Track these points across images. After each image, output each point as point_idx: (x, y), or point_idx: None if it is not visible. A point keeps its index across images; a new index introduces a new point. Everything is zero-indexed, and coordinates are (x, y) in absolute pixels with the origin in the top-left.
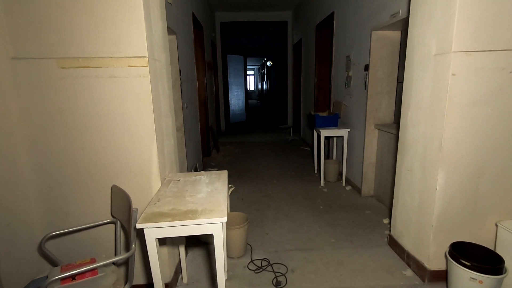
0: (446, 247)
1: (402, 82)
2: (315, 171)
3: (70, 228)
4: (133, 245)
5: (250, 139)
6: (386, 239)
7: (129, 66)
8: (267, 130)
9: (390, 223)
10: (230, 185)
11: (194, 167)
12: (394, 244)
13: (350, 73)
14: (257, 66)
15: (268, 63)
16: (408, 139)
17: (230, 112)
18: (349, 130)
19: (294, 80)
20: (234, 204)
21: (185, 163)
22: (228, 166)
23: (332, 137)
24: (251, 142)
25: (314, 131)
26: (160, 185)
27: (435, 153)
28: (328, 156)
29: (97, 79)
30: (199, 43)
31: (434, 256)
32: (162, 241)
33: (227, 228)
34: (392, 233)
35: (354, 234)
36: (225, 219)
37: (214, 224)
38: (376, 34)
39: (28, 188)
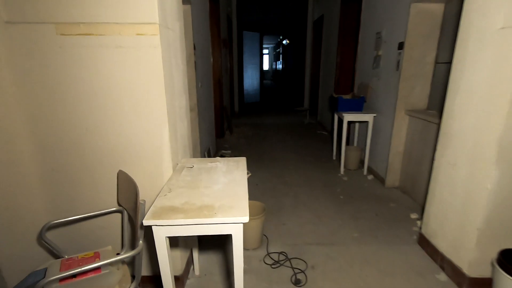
0: (492, 254)
1: (442, 63)
2: (334, 158)
3: (72, 217)
4: (140, 241)
5: (264, 121)
6: (415, 237)
7: (138, 34)
8: (282, 112)
9: (420, 219)
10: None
11: (207, 150)
12: (425, 243)
13: (380, 52)
14: (272, 45)
15: (284, 42)
16: (453, 129)
17: (245, 92)
18: (375, 115)
19: (313, 60)
20: (249, 190)
21: (198, 145)
22: (242, 149)
23: (355, 122)
24: (265, 124)
25: (335, 115)
26: (172, 172)
27: (489, 147)
28: (348, 142)
29: (101, 49)
30: (215, 18)
31: (476, 262)
32: None
33: None
34: (423, 231)
35: (379, 229)
36: (246, 219)
37: (233, 224)
38: (416, 7)
39: (29, 170)
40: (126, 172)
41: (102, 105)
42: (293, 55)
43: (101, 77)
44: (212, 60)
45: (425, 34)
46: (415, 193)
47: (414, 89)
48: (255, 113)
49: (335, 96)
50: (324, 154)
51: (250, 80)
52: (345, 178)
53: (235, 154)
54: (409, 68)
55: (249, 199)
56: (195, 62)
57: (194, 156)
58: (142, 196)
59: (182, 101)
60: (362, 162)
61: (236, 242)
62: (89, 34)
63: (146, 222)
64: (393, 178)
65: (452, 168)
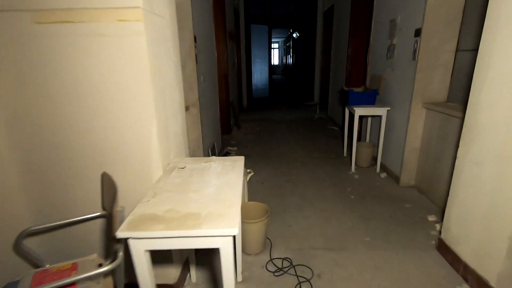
0: None
1: (464, 51)
2: (345, 154)
3: (53, 223)
4: (120, 253)
5: (273, 116)
6: (433, 242)
7: (119, 20)
8: (292, 106)
9: (439, 222)
10: (248, 170)
11: (212, 147)
12: (445, 250)
13: (394, 41)
14: (282, 39)
15: (294, 35)
16: (480, 123)
17: (253, 87)
18: (388, 109)
19: (323, 53)
20: (253, 189)
21: (201, 142)
22: (248, 145)
23: (367, 116)
24: (274, 119)
25: (346, 109)
26: (162, 173)
27: None
28: (360, 138)
29: (81, 38)
30: (220, 9)
31: (506, 275)
32: None
33: (243, 222)
34: (443, 236)
35: (392, 232)
36: (236, 231)
37: (221, 237)
38: None
39: (6, 172)
40: (112, 173)
41: (84, 101)
42: (303, 48)
43: (82, 69)
44: (216, 53)
45: (445, 19)
46: (433, 193)
47: (433, 80)
48: (264, 108)
49: (346, 89)
50: (334, 150)
51: (259, 75)
52: (356, 176)
53: (241, 150)
54: (427, 57)
55: (253, 198)
56: (196, 54)
57: (196, 153)
58: (127, 200)
59: (175, 95)
60: (374, 159)
61: (224, 258)
62: (68, 22)
63: (120, 234)
64: (408, 176)
65: (477, 167)
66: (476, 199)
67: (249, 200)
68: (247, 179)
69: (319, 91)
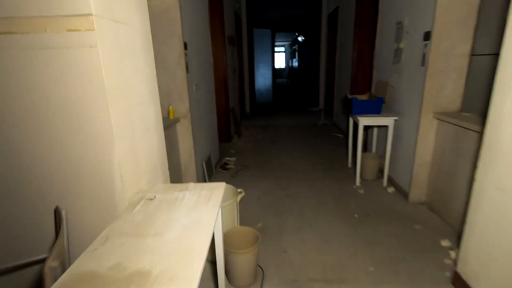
0: None
1: (481, 55)
2: (349, 165)
3: None
4: None
5: (276, 122)
6: (448, 274)
7: (68, 30)
8: (296, 112)
9: (453, 248)
10: (239, 190)
11: (207, 159)
12: (461, 286)
13: (401, 45)
14: (288, 42)
15: (299, 38)
16: (502, 142)
17: (256, 92)
18: (396, 118)
19: (328, 57)
20: (249, 205)
21: (193, 155)
22: (248, 154)
23: (373, 126)
24: (277, 125)
25: (350, 118)
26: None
27: None
28: (366, 148)
29: (24, 51)
30: (217, 14)
31: None
32: None
33: (230, 253)
34: (460, 269)
35: (400, 261)
36: None
37: None
38: None
39: None
40: (68, 208)
41: (32, 124)
42: (308, 52)
43: (27, 88)
44: (213, 59)
45: (458, 20)
46: (446, 212)
47: (444, 87)
48: (267, 114)
49: (349, 97)
50: (338, 160)
51: (262, 79)
52: (361, 191)
53: (240, 160)
54: (438, 62)
55: (248, 216)
56: (187, 63)
57: (188, 167)
58: (85, 242)
59: (149, 113)
60: (381, 171)
61: None
62: (7, 33)
63: None
64: (418, 192)
65: (500, 194)
66: (500, 231)
67: (242, 220)
68: (238, 200)
69: (324, 95)
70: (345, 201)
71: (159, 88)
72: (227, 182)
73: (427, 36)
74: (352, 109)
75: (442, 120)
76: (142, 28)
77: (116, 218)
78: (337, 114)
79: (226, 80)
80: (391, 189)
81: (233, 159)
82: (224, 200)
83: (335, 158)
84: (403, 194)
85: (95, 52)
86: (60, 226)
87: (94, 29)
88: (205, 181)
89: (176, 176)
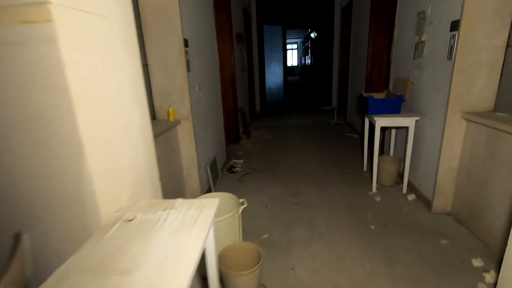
0: None
1: None
2: (364, 169)
3: None
4: None
5: (287, 122)
6: None
7: (23, 21)
8: (307, 111)
9: (488, 270)
10: (241, 200)
11: (212, 162)
12: None
13: (423, 37)
14: (301, 39)
15: (312, 35)
16: None
17: (267, 91)
18: (417, 118)
19: (341, 53)
20: (254, 213)
21: (195, 159)
22: (257, 156)
23: (391, 127)
24: (287, 125)
25: (366, 118)
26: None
27: None
28: (383, 150)
29: None
30: (224, 10)
31: None
32: None
33: (230, 274)
34: None
35: (425, 283)
36: None
37: None
38: None
39: None
40: (34, 232)
41: None
42: (321, 49)
43: None
44: (219, 57)
45: (491, 7)
46: (476, 226)
47: (475, 84)
48: (278, 113)
49: (365, 95)
50: (353, 163)
51: (273, 78)
52: (377, 198)
53: (248, 163)
54: (467, 55)
55: (253, 226)
56: (188, 61)
57: (190, 172)
58: (47, 275)
59: (133, 118)
60: (400, 176)
61: None
62: None
63: None
64: (443, 201)
65: None
66: None
67: (246, 231)
68: (239, 212)
69: (337, 94)
70: (360, 210)
71: (159, 88)
72: (233, 186)
73: (455, 26)
74: (367, 108)
75: (472, 121)
76: (124, 21)
77: (83, 246)
78: (351, 113)
79: (234, 79)
80: (411, 197)
81: (241, 161)
82: (224, 212)
83: (349, 161)
84: (426, 202)
85: (55, 48)
86: (16, 252)
87: (53, 20)
88: (209, 186)
89: (177, 181)
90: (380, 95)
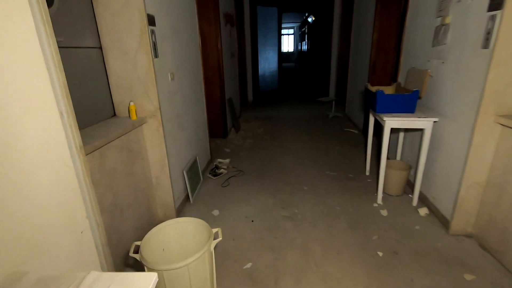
0: None
1: None
2: (367, 173)
3: None
4: None
5: (280, 113)
6: None
7: None
8: (303, 101)
9: None
10: (215, 230)
11: (190, 165)
12: None
13: (447, 20)
14: (297, 24)
15: (309, 19)
16: None
17: (260, 79)
18: (435, 120)
19: (341, 39)
20: (237, 232)
21: (166, 165)
22: (245, 155)
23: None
24: (281, 117)
25: (370, 114)
26: None
27: None
28: (388, 153)
29: None
30: None
31: None
32: None
33: None
34: None
35: None
36: None
37: None
38: None
39: None
40: None
41: None
42: (318, 34)
43: None
44: (200, 40)
45: None
46: (508, 255)
47: None
48: (272, 102)
49: (373, 89)
50: (353, 165)
51: (267, 64)
52: (384, 212)
53: (235, 163)
54: (510, 42)
55: (234, 251)
56: (154, 44)
57: (160, 181)
58: None
59: (21, 135)
60: (410, 185)
61: None
62: None
63: None
64: (464, 221)
65: None
66: None
67: (226, 257)
68: (212, 248)
69: (335, 83)
70: (365, 228)
71: (117, 78)
72: (215, 194)
73: (497, 3)
74: (375, 105)
75: (510, 127)
76: None
77: None
78: (351, 105)
79: (221, 66)
80: (423, 211)
81: (227, 161)
82: (193, 246)
83: (349, 162)
84: (442, 220)
85: None
86: None
87: None
88: (186, 195)
89: (142, 195)
90: (389, 89)
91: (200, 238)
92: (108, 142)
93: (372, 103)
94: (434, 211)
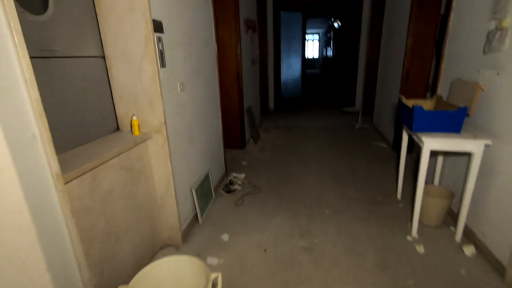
0: None
1: None
2: (398, 196)
3: None
4: None
5: (302, 123)
6: None
7: None
8: (327, 110)
9: None
10: (215, 275)
11: (201, 181)
12: None
13: (506, 22)
14: (322, 30)
15: (335, 24)
16: None
17: (282, 85)
18: (488, 142)
19: (370, 45)
20: (246, 263)
21: (171, 184)
22: (263, 169)
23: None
24: (303, 127)
25: (404, 131)
26: None
27: None
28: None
29: None
30: None
31: None
32: None
33: None
34: None
35: None
36: None
37: None
38: None
39: None
40: None
41: None
42: (345, 40)
43: None
44: (216, 47)
45: None
46: None
47: None
48: (294, 111)
49: (409, 104)
50: (383, 187)
51: (290, 71)
52: (420, 249)
53: (251, 178)
54: None
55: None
56: (161, 52)
57: (165, 201)
58: None
59: None
60: (452, 215)
61: None
62: None
63: None
64: None
65: None
66: None
67: None
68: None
69: (362, 91)
70: (396, 269)
71: (121, 89)
72: (228, 212)
73: None
74: (412, 123)
75: None
76: None
77: None
78: (379, 116)
79: (240, 74)
80: (469, 250)
81: (242, 176)
82: None
83: (378, 182)
84: (494, 264)
85: None
86: None
87: None
88: (195, 214)
89: (144, 217)
90: (427, 104)
91: (196, 283)
92: (103, 163)
93: (408, 119)
94: (483, 251)
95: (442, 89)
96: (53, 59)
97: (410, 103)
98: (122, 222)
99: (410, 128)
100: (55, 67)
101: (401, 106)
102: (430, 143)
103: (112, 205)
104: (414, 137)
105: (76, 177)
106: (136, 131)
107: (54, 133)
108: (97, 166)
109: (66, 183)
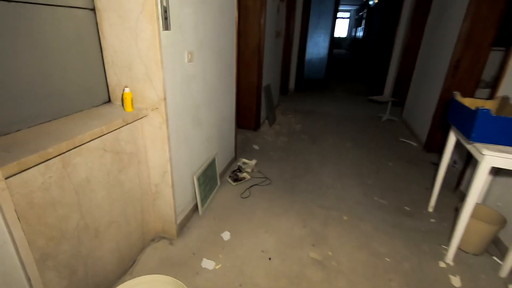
0: None
1: None
2: (430, 209)
3: None
4: None
5: (324, 108)
6: None
7: None
8: (352, 96)
9: None
10: None
11: (205, 167)
12: None
13: None
14: (354, 7)
15: (371, 2)
16: None
17: (306, 65)
18: None
19: (411, 26)
20: (247, 273)
21: (169, 172)
22: (275, 157)
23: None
24: (324, 113)
25: (452, 133)
26: None
27: None
28: (459, 184)
29: None
30: None
31: None
32: None
33: None
34: None
35: None
36: None
37: None
38: None
39: None
40: None
41: None
42: (382, 20)
43: None
44: (237, 13)
45: None
46: None
47: None
48: (315, 93)
49: (470, 104)
50: (410, 191)
51: (316, 50)
52: (455, 281)
53: (261, 166)
54: None
55: None
56: (164, 9)
57: (160, 189)
58: None
59: None
60: (496, 242)
61: None
62: None
63: None
64: None
65: None
66: None
67: None
68: None
69: (393, 80)
70: None
71: (113, 51)
72: (233, 204)
73: None
74: (471, 129)
75: None
76: None
77: None
78: (411, 109)
79: (261, 47)
80: None
81: (252, 162)
82: None
83: (406, 187)
84: None
85: None
86: None
87: None
88: (196, 205)
89: (137, 205)
90: (488, 104)
91: None
92: (79, 145)
93: (463, 124)
94: None
95: (509, 89)
96: (28, 5)
97: (466, 101)
98: (104, 214)
99: (468, 136)
100: (29, 15)
101: (454, 104)
102: (494, 159)
103: (92, 195)
104: (468, 146)
105: (32, 166)
106: (129, 107)
107: (13, 102)
108: (68, 150)
109: (8, 177)
